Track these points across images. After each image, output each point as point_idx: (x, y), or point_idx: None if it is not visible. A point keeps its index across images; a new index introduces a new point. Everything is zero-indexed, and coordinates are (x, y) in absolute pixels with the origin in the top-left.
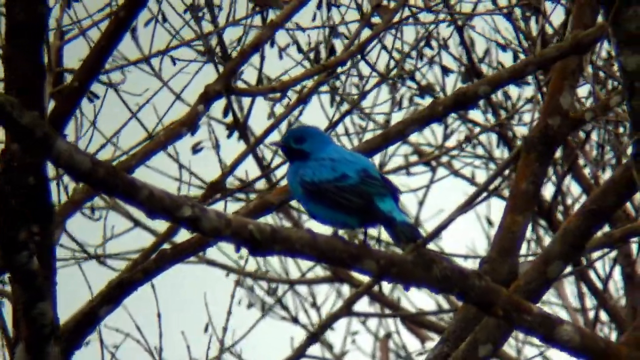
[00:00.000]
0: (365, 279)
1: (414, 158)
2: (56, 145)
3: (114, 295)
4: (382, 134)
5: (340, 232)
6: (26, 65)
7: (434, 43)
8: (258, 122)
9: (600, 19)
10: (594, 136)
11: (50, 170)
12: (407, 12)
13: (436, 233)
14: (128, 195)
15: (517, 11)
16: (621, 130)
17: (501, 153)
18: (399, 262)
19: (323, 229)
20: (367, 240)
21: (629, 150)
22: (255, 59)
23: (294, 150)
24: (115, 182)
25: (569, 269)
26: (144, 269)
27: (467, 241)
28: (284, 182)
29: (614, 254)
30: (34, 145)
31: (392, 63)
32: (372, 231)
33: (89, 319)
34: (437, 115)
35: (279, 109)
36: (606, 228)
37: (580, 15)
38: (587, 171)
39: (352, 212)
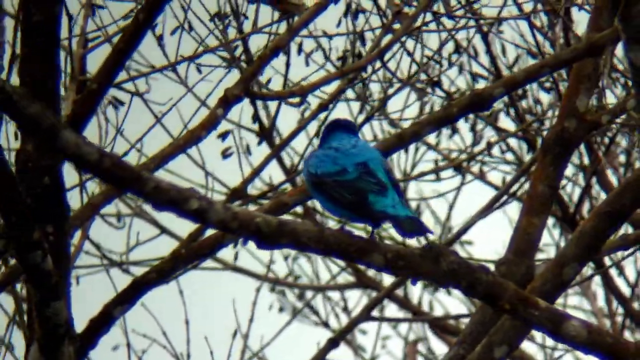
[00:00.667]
0: (386, 284)
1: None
2: (62, 136)
3: (128, 295)
4: (396, 135)
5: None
6: (40, 67)
7: (462, 50)
8: (287, 127)
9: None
10: (622, 142)
11: (73, 176)
12: (429, 18)
13: (458, 236)
14: (135, 187)
15: (544, 19)
16: None
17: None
18: (407, 255)
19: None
20: (374, 234)
21: None
22: (281, 66)
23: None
24: (122, 174)
25: (585, 269)
26: (157, 269)
27: (499, 247)
28: None
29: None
30: (41, 136)
31: (415, 68)
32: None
33: (103, 319)
34: (452, 117)
35: (307, 115)
36: (629, 229)
37: (597, 18)
38: (613, 178)
39: (346, 207)
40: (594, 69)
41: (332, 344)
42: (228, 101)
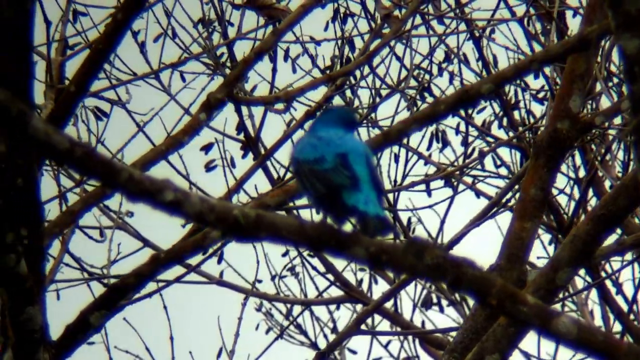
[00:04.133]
0: (375, 296)
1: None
2: (32, 124)
3: (105, 301)
4: (383, 133)
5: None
6: (12, 66)
7: (453, 56)
8: (274, 136)
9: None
10: (620, 154)
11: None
12: (419, 21)
13: (450, 246)
14: (107, 177)
15: (538, 26)
16: None
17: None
18: (390, 249)
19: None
20: (356, 227)
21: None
22: (268, 72)
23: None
24: (93, 163)
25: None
26: (136, 273)
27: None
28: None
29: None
30: (10, 125)
31: (404, 74)
32: None
33: (80, 325)
34: (439, 114)
35: (293, 124)
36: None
37: (590, 15)
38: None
39: (320, 199)
40: (587, 69)
41: (321, 358)
42: (211, 106)
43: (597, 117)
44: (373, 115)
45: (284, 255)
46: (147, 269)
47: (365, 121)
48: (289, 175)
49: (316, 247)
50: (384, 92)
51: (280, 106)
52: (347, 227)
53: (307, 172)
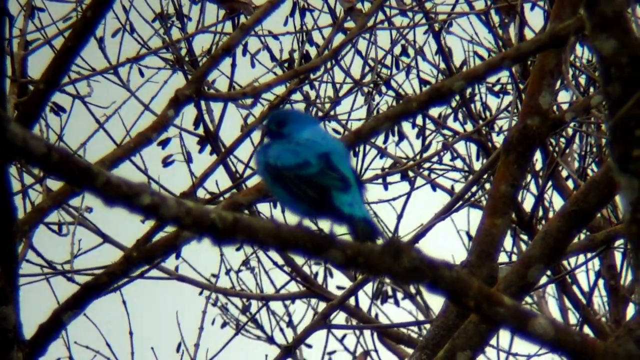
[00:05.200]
0: (330, 289)
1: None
2: (10, 129)
3: (78, 300)
4: (354, 131)
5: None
6: None
7: (410, 51)
8: (231, 131)
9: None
10: (575, 147)
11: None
12: (381, 17)
13: (414, 241)
14: (84, 181)
15: (496, 18)
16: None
17: (481, 165)
18: (367, 252)
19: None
20: (333, 230)
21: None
22: (227, 67)
23: (275, 134)
24: (70, 167)
25: (545, 278)
26: (108, 272)
27: (447, 256)
28: None
29: (597, 266)
30: None
31: (367, 69)
32: None
33: (53, 324)
34: (411, 112)
35: (251, 119)
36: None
37: (559, 12)
38: (569, 182)
39: (306, 203)
40: (557, 65)
41: (287, 352)
42: (179, 102)
43: (567, 113)
44: (332, 111)
45: (238, 249)
46: (119, 268)
47: (326, 116)
48: (248, 171)
49: (293, 250)
50: (345, 87)
51: (247, 101)
52: (326, 229)
53: (292, 177)
